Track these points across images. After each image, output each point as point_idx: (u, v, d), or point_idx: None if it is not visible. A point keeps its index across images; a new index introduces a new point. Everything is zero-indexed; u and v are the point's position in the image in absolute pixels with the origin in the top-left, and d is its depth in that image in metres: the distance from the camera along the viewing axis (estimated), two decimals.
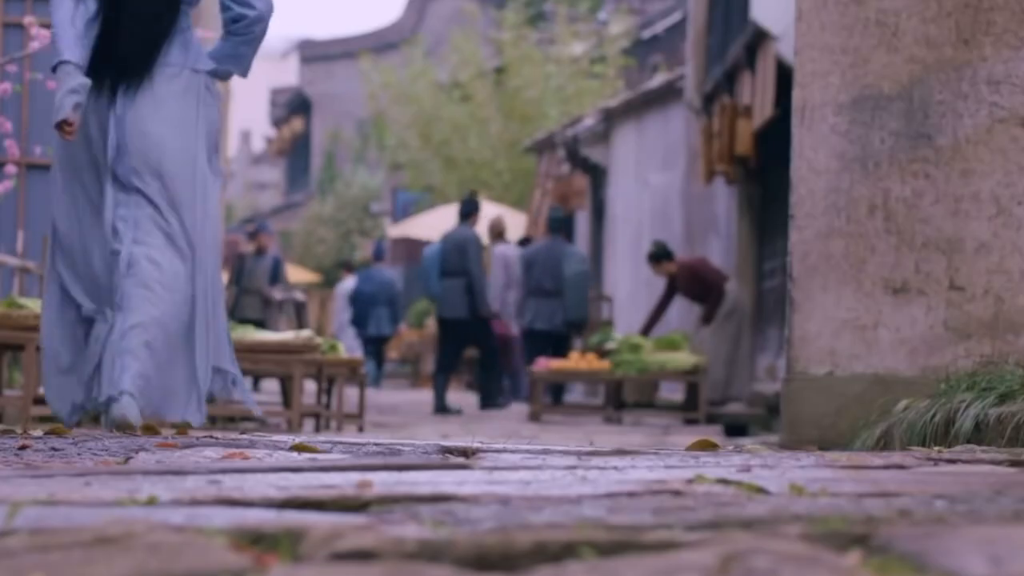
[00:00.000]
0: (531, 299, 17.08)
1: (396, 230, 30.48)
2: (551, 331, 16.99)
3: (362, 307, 23.11)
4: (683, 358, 13.89)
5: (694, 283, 14.97)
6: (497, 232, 19.10)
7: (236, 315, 16.23)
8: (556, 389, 17.03)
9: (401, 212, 36.37)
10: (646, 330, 15.30)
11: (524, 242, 20.12)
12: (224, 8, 5.79)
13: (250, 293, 17.93)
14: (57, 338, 5.78)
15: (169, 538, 1.77)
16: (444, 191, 30.78)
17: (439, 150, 30.83)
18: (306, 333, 11.20)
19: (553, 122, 27.76)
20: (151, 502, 2.32)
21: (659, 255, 15.28)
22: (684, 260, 15.35)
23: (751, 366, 15.06)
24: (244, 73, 5.92)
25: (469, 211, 16.63)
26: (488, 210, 26.50)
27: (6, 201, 11.52)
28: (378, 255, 24.11)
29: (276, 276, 18.36)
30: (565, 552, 1.76)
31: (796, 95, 7.81)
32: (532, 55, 29.68)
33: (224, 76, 5.94)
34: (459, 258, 16.14)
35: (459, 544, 1.76)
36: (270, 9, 5.82)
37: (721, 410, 13.98)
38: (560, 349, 16.66)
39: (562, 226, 17.97)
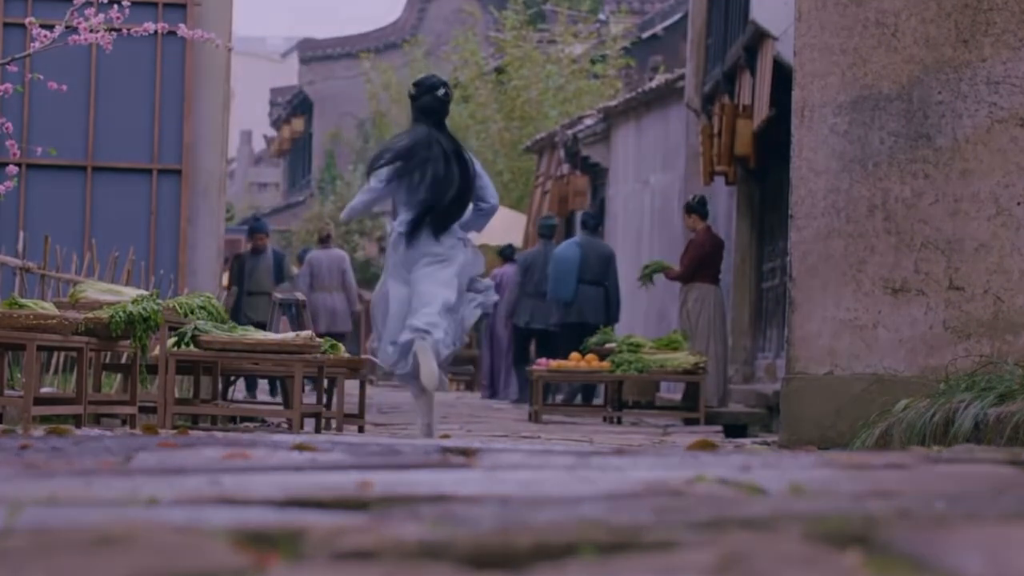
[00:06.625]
0: (528, 300, 17.58)
1: None
2: (546, 329, 17.64)
3: None
4: (683, 358, 13.87)
5: (691, 247, 14.93)
6: (322, 236, 19.80)
7: (240, 317, 15.91)
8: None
9: None
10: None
11: (507, 250, 20.32)
12: (478, 198, 9.47)
13: (255, 294, 17.62)
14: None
15: (170, 538, 1.78)
16: None
17: None
18: (306, 333, 11.21)
19: (553, 122, 27.75)
20: (152, 502, 2.32)
21: (693, 207, 14.87)
22: (708, 232, 15.00)
23: (726, 370, 15.04)
24: (478, 230, 9.76)
25: (597, 224, 17.56)
26: None
27: (7, 201, 11.52)
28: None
29: (281, 274, 18.05)
30: (565, 552, 1.76)
31: (796, 95, 7.82)
32: (532, 55, 29.67)
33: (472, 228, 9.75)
34: (603, 269, 16.77)
35: (459, 544, 1.76)
36: (498, 203, 9.75)
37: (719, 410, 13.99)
38: (550, 346, 16.99)
39: (553, 232, 18.61)
